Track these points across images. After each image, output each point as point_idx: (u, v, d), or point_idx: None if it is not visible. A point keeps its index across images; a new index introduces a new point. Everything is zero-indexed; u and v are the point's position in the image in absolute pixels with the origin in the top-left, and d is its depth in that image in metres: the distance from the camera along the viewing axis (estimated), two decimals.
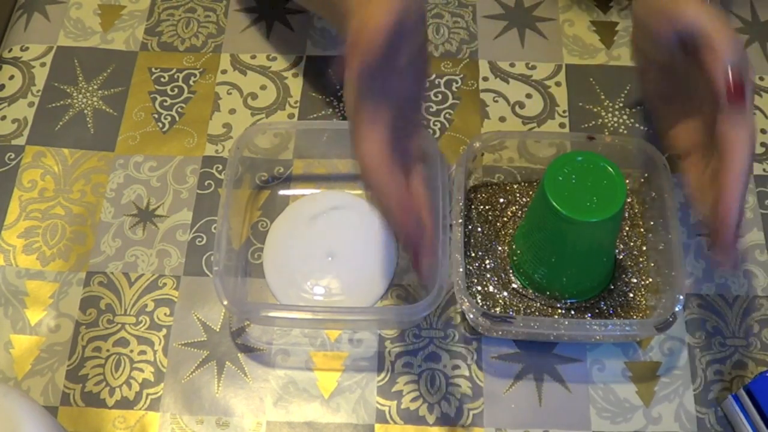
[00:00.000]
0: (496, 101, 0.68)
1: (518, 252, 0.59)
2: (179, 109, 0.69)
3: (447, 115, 0.68)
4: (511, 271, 0.60)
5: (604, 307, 0.59)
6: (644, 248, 0.61)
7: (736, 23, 0.73)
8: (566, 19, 0.73)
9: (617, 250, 0.61)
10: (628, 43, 0.71)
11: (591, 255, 0.56)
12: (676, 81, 0.55)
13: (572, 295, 0.58)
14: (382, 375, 0.58)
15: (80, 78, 0.71)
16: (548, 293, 0.59)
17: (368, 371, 0.58)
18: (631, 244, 0.61)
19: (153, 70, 0.71)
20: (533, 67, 0.70)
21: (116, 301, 0.60)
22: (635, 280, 0.60)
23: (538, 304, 0.59)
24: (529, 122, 0.68)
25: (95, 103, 0.69)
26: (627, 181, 0.63)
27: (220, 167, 0.66)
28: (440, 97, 0.69)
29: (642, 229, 0.62)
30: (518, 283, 0.59)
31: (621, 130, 0.67)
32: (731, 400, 0.55)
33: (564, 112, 0.68)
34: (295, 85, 0.70)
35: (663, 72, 0.56)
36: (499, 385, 0.57)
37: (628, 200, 0.63)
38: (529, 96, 0.69)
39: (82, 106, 0.69)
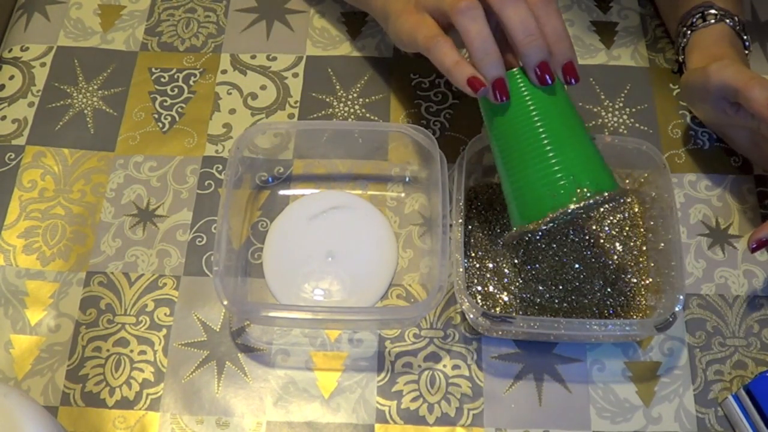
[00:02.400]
0: None
1: (514, 197, 0.53)
2: (179, 109, 0.69)
3: (447, 115, 0.68)
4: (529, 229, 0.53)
5: (604, 307, 0.59)
6: (644, 248, 0.61)
7: None
8: (566, 19, 0.73)
9: (618, 249, 0.61)
10: (628, 43, 0.72)
11: (548, 126, 0.52)
12: (746, 127, 0.61)
13: (585, 184, 0.51)
14: (382, 375, 0.58)
15: (80, 78, 0.71)
16: (560, 194, 0.51)
17: (368, 371, 0.58)
18: (631, 244, 0.61)
19: (153, 70, 0.71)
20: None
21: (116, 301, 0.60)
22: (635, 280, 0.60)
23: (538, 304, 0.59)
24: None
25: (95, 103, 0.69)
26: (627, 180, 0.63)
27: (220, 167, 0.66)
28: (440, 97, 0.69)
29: (642, 229, 0.62)
30: (539, 218, 0.51)
31: (621, 130, 0.67)
32: (731, 400, 0.55)
33: None
34: (295, 85, 0.70)
35: (734, 127, 0.62)
36: (499, 385, 0.57)
37: (628, 200, 0.63)
38: None
39: (82, 106, 0.69)
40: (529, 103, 0.52)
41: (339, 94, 0.69)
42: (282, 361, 0.58)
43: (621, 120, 0.68)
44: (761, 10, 0.74)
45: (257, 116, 0.68)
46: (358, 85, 0.70)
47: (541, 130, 0.51)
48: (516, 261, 0.60)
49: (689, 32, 0.64)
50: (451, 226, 0.57)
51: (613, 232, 0.62)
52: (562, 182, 0.51)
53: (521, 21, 0.51)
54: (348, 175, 0.66)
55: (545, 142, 0.51)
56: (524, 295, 0.59)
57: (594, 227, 0.62)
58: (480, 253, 0.61)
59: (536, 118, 0.52)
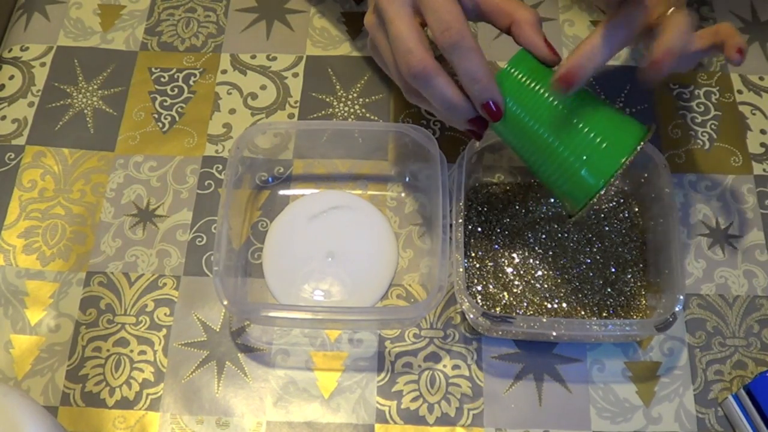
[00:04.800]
0: None
1: (560, 181, 0.53)
2: (179, 109, 0.69)
3: None
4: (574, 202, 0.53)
5: (605, 307, 0.59)
6: (644, 248, 0.61)
7: (736, 23, 0.73)
8: (566, 19, 0.73)
9: (618, 249, 0.61)
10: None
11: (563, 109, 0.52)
12: None
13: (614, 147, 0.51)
14: (382, 375, 0.58)
15: (80, 78, 0.71)
16: (608, 157, 0.51)
17: (368, 371, 0.58)
18: (631, 244, 0.61)
19: (153, 70, 0.71)
20: None
21: (116, 301, 0.60)
22: (635, 280, 0.60)
23: (538, 304, 0.59)
24: None
25: (95, 103, 0.69)
26: (627, 180, 0.63)
27: (220, 167, 0.66)
28: None
29: (642, 229, 0.62)
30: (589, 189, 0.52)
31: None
32: (731, 400, 0.55)
33: None
34: (295, 85, 0.70)
35: None
36: (499, 385, 0.57)
37: (629, 200, 0.63)
38: None
39: (82, 106, 0.69)
40: (538, 87, 0.52)
41: (339, 94, 0.69)
42: (282, 361, 0.58)
43: None
44: (761, 10, 0.74)
45: (257, 116, 0.68)
46: (358, 85, 0.70)
47: (561, 107, 0.52)
48: (516, 261, 0.61)
49: None
50: (451, 226, 0.57)
51: (613, 233, 0.62)
52: (604, 145, 0.51)
53: (464, 70, 0.51)
54: (348, 175, 0.66)
55: (573, 118, 0.51)
56: (524, 295, 0.59)
57: (594, 227, 0.62)
58: (480, 253, 0.61)
59: (551, 99, 0.52)
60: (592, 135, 0.51)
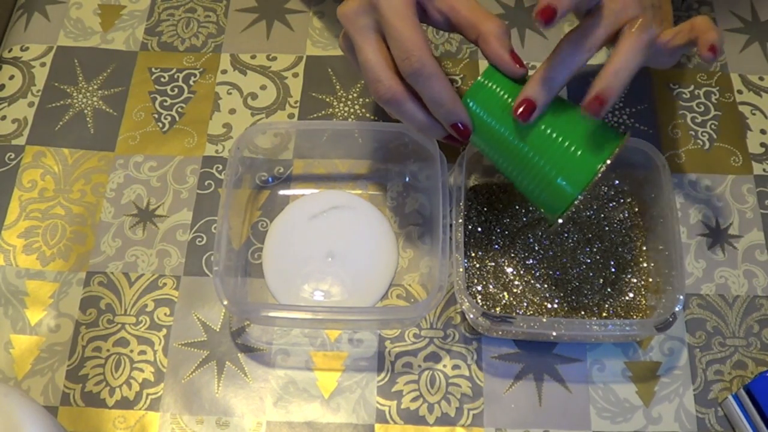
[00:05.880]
0: None
1: (542, 190, 0.53)
2: (179, 109, 0.69)
3: None
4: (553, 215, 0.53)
5: (605, 307, 0.59)
6: (644, 248, 0.61)
7: (736, 23, 0.73)
8: (566, 19, 0.73)
9: (618, 249, 0.61)
10: None
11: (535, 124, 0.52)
12: None
13: (591, 154, 0.51)
14: (382, 375, 0.58)
15: (80, 78, 0.71)
16: (584, 164, 0.51)
17: (368, 371, 0.58)
18: (631, 244, 0.61)
19: (153, 70, 0.71)
20: (533, 67, 0.70)
21: (116, 301, 0.60)
22: (635, 280, 0.60)
23: (538, 304, 0.59)
24: None
25: (95, 103, 0.69)
26: (627, 180, 0.63)
27: (220, 167, 0.66)
28: None
29: (642, 229, 0.62)
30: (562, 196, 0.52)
31: (621, 130, 0.67)
32: (731, 400, 0.55)
33: None
34: (295, 85, 0.70)
35: None
36: (499, 385, 0.57)
37: (629, 200, 0.63)
38: None
39: (82, 106, 0.69)
40: (510, 99, 0.52)
41: (339, 94, 0.69)
42: (282, 361, 0.58)
43: (621, 120, 0.68)
44: (761, 10, 0.74)
45: (257, 116, 0.68)
46: (358, 85, 0.70)
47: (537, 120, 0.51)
48: (516, 261, 0.61)
49: None
50: (451, 226, 0.57)
51: (613, 233, 0.62)
52: (578, 153, 0.51)
53: (428, 96, 0.51)
54: (348, 175, 0.66)
55: (547, 128, 0.51)
56: (524, 295, 0.59)
57: (594, 227, 0.62)
58: (480, 253, 0.61)
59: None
60: (566, 143, 0.51)
